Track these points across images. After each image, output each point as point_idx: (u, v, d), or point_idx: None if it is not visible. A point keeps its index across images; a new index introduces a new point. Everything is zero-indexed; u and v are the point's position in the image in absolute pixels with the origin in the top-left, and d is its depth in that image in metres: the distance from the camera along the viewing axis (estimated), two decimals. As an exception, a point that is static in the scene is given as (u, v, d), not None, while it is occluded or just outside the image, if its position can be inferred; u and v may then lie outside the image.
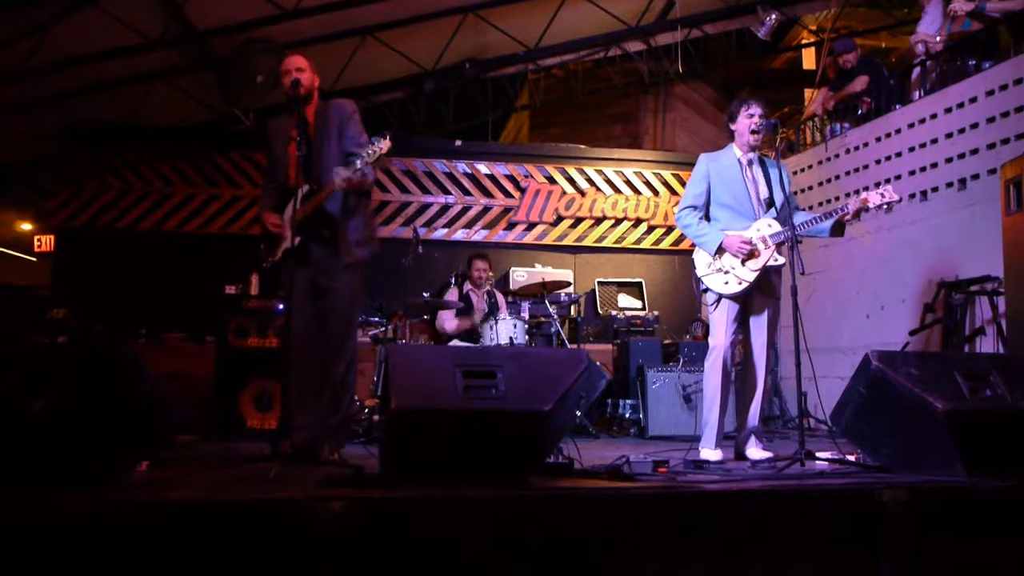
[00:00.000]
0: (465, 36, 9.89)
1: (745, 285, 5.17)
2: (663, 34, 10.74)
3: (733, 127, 5.39)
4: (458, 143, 10.36)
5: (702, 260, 5.32)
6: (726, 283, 5.21)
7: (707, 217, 5.37)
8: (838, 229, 5.25)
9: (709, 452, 5.15)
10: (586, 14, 10.03)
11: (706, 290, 5.34)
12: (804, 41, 12.75)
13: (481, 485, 3.38)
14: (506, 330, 7.38)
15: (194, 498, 3.18)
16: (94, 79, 8.95)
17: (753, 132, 5.24)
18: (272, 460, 3.92)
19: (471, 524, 3.13)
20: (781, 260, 5.19)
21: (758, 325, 5.31)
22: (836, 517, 3.41)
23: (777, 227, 5.18)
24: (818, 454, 4.59)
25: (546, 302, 7.95)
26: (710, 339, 5.36)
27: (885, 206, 5.14)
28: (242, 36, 8.81)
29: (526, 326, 7.63)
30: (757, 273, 5.16)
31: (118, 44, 8.44)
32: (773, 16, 9.98)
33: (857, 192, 8.06)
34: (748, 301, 5.29)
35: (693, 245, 5.39)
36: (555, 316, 7.97)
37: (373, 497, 3.15)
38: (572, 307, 9.58)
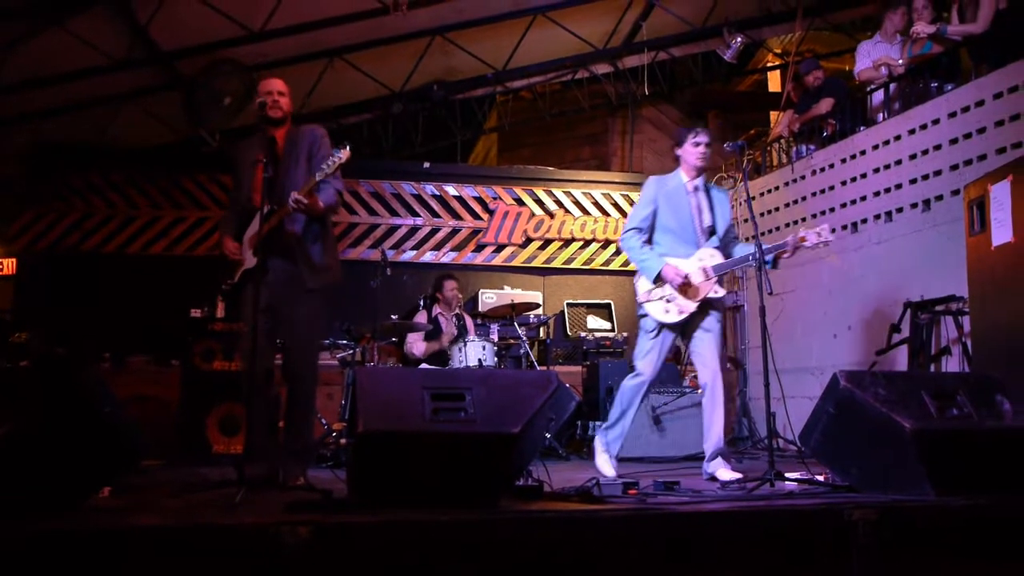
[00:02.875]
0: (433, 58, 9.92)
1: (685, 316, 5.25)
2: (630, 57, 10.83)
3: (679, 152, 5.44)
4: (426, 165, 10.35)
5: (643, 285, 5.38)
6: (667, 311, 5.28)
7: (650, 240, 5.43)
8: (776, 261, 5.38)
9: (606, 460, 5.29)
10: (553, 37, 10.09)
11: (644, 315, 5.40)
12: (770, 64, 12.88)
13: (450, 508, 3.34)
14: (475, 352, 7.35)
15: (157, 524, 3.12)
16: (58, 100, 8.86)
17: (698, 161, 5.34)
18: (238, 485, 3.85)
19: (440, 548, 3.09)
20: (721, 292, 5.29)
21: (703, 349, 5.33)
22: (806, 537, 3.41)
23: (720, 258, 5.29)
24: (787, 474, 4.59)
25: (515, 324, 7.94)
26: (637, 363, 5.39)
27: (822, 244, 5.24)
28: (208, 57, 8.77)
29: (495, 348, 7.60)
30: (698, 304, 5.24)
31: (83, 65, 8.37)
32: (739, 39, 10.08)
33: (824, 213, 8.16)
34: (689, 329, 5.35)
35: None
36: (524, 338, 7.96)
37: (341, 522, 3.11)
38: (541, 329, 9.57)
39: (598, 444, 5.44)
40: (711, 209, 5.39)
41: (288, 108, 4.89)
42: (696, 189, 5.41)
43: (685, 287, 5.23)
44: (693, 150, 5.34)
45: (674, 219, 5.36)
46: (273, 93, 4.83)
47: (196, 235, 9.52)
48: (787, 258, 5.31)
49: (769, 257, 5.27)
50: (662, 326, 5.31)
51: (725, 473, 5.08)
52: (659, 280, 5.27)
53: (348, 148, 4.55)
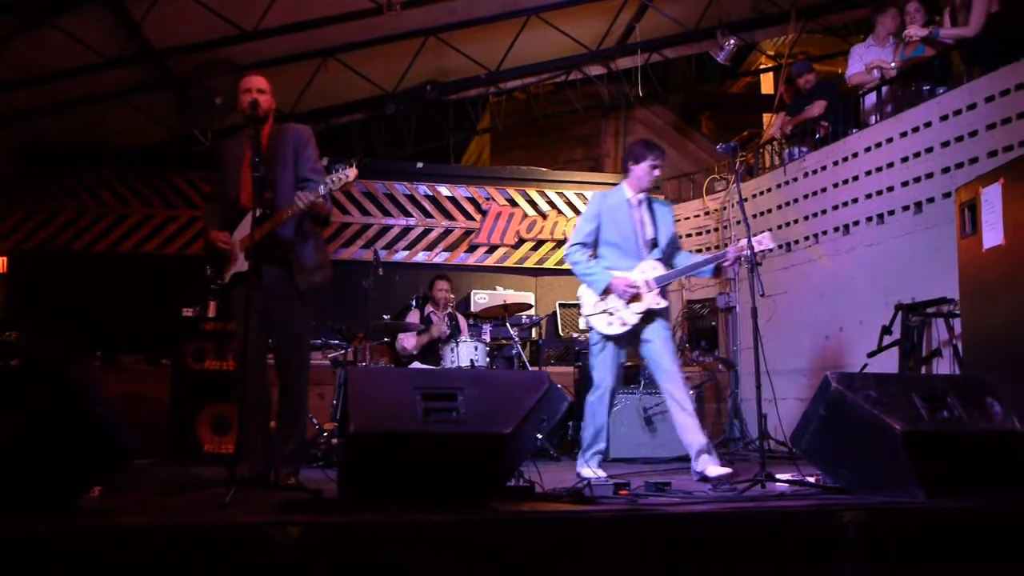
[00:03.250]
0: (427, 59, 9.90)
1: (628, 328, 5.33)
2: (623, 58, 10.82)
3: (633, 167, 5.50)
4: (419, 165, 10.36)
5: (589, 299, 5.47)
6: (609, 324, 5.37)
7: (594, 254, 5.53)
8: (717, 270, 5.56)
9: (595, 471, 5.30)
10: (547, 38, 10.08)
11: (589, 329, 5.52)
12: (763, 66, 12.91)
13: (441, 509, 3.34)
14: (467, 352, 7.35)
15: (147, 523, 3.11)
16: (50, 98, 8.82)
17: (650, 183, 5.47)
18: (229, 485, 3.84)
19: (431, 549, 3.09)
20: (664, 303, 5.37)
21: (657, 356, 5.39)
22: (797, 538, 3.41)
23: (661, 270, 5.38)
24: (778, 476, 4.60)
25: (507, 324, 7.93)
26: (594, 375, 5.48)
27: (764, 252, 5.34)
28: (201, 56, 8.75)
29: (487, 348, 7.60)
30: (640, 316, 5.32)
31: (75, 62, 8.34)
32: (732, 41, 10.09)
33: (816, 215, 8.17)
34: (637, 340, 5.43)
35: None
36: (516, 338, 7.95)
37: (331, 522, 3.10)
38: (533, 329, 9.58)
39: (579, 466, 5.49)
40: (653, 222, 5.49)
41: (267, 105, 4.82)
42: (639, 203, 5.51)
43: (631, 299, 5.32)
44: (650, 172, 5.45)
45: (617, 233, 5.46)
46: (252, 91, 4.79)
47: (188, 234, 9.51)
48: (728, 266, 5.46)
49: (709, 268, 5.47)
50: (607, 338, 5.40)
51: (714, 469, 5.08)
52: (605, 293, 5.37)
53: (355, 167, 4.53)
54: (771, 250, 5.35)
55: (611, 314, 5.35)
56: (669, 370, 5.32)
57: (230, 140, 5.07)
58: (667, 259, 5.48)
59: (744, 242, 5.26)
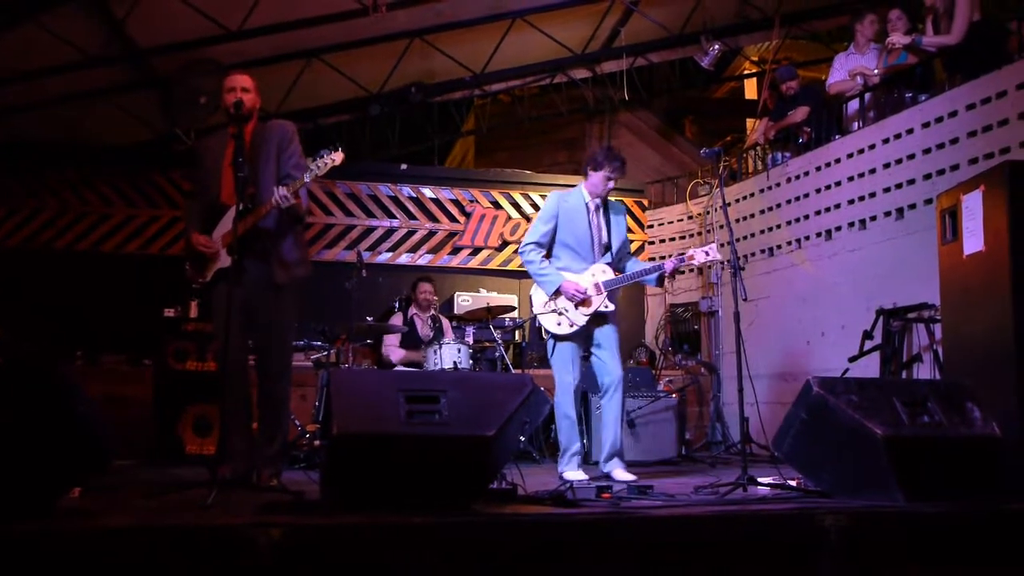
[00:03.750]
0: (412, 60, 9.90)
1: (576, 328, 5.45)
2: (608, 62, 10.85)
3: (591, 172, 5.61)
4: (403, 167, 10.34)
5: (539, 298, 5.59)
6: (559, 324, 5.49)
7: (548, 254, 5.64)
8: (660, 280, 5.62)
9: (575, 473, 5.35)
10: (532, 41, 10.10)
11: (541, 327, 5.64)
12: (746, 71, 12.97)
13: (424, 511, 3.34)
14: (450, 355, 7.34)
15: (129, 524, 3.10)
16: (32, 96, 8.77)
17: (604, 192, 5.60)
18: (210, 486, 3.83)
19: (413, 551, 3.08)
20: (611, 307, 5.49)
21: (604, 356, 5.51)
22: (778, 542, 3.43)
23: (611, 274, 5.51)
24: (760, 479, 4.62)
25: (491, 327, 7.92)
26: (556, 374, 5.56)
27: (711, 263, 5.45)
28: (185, 55, 8.72)
29: (470, 351, 7.59)
30: (588, 318, 5.45)
31: (58, 61, 8.29)
32: (716, 46, 10.14)
33: (798, 220, 8.21)
34: (586, 341, 5.55)
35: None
36: (499, 341, 7.94)
37: (314, 524, 3.10)
38: (517, 332, 9.56)
39: (560, 468, 5.52)
40: (608, 227, 5.61)
41: (251, 104, 4.80)
42: (597, 207, 5.63)
43: (580, 302, 5.42)
44: (604, 182, 5.57)
45: (572, 236, 5.57)
46: (236, 89, 4.76)
47: (170, 234, 9.45)
48: (669, 276, 5.58)
49: (652, 276, 5.53)
50: (558, 338, 5.50)
51: (621, 473, 5.29)
52: (556, 294, 5.47)
53: (341, 151, 4.54)
54: (722, 262, 5.45)
55: (560, 314, 5.47)
56: (614, 371, 5.46)
57: (210, 138, 5.05)
58: (617, 263, 5.60)
59: (692, 251, 5.45)
